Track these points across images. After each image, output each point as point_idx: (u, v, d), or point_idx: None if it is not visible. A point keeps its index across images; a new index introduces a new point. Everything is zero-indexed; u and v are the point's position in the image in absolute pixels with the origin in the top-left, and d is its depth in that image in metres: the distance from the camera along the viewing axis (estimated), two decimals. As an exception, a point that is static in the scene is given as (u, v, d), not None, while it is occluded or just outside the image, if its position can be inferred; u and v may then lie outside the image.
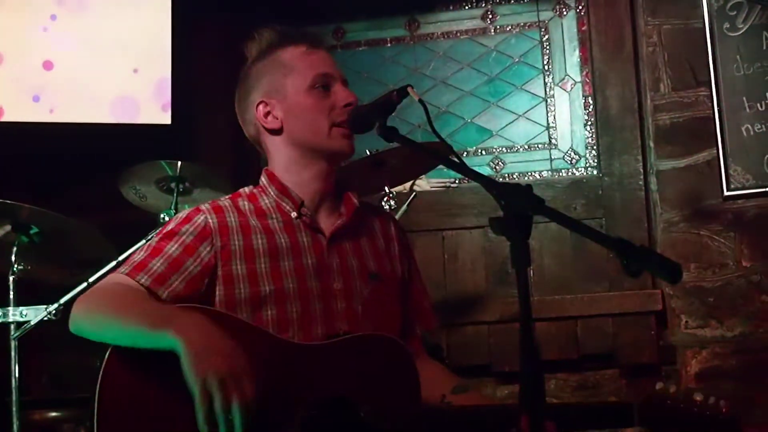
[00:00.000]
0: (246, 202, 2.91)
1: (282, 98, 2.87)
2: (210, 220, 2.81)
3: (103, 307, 2.68)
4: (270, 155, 2.97)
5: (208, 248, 2.78)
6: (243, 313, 2.76)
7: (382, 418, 2.62)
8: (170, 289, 2.72)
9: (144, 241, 4.15)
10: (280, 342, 2.69)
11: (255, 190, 2.95)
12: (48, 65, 5.22)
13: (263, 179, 2.96)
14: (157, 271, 2.73)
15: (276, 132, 2.90)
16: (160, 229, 2.89)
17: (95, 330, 2.67)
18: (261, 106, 2.90)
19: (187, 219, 2.82)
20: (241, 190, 2.99)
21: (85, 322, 2.70)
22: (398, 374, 2.70)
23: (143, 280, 2.70)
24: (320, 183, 2.93)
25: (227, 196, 2.95)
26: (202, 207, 2.86)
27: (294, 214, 2.88)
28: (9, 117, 5.14)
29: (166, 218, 4.31)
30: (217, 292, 2.79)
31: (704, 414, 2.72)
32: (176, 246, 2.77)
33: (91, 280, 3.94)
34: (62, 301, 4.04)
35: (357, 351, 2.71)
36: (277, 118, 2.89)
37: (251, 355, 2.50)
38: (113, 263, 4.00)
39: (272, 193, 2.91)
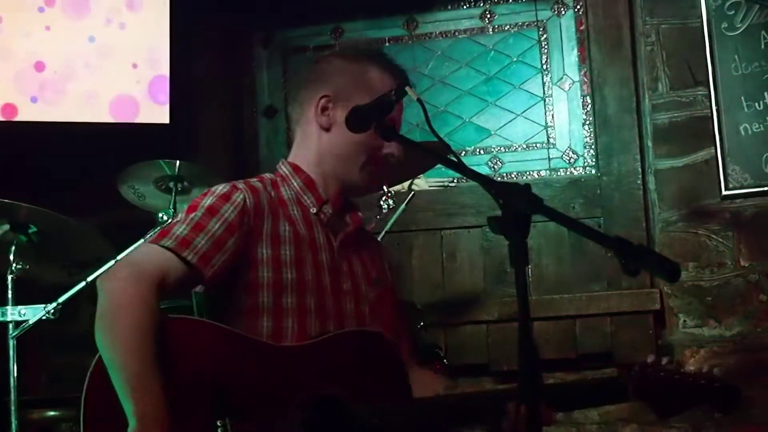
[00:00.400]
0: (271, 188, 2.91)
1: (345, 107, 2.83)
2: (248, 199, 2.79)
3: (116, 337, 2.57)
4: (303, 145, 2.98)
5: (245, 227, 2.77)
6: (264, 297, 2.77)
7: (374, 414, 2.64)
8: (213, 270, 2.71)
9: (142, 240, 4.16)
10: (267, 347, 2.71)
11: (277, 178, 2.96)
12: (44, 65, 5.21)
13: (285, 169, 2.97)
14: (202, 249, 2.69)
15: (323, 129, 2.92)
16: (195, 202, 2.82)
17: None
18: (324, 100, 2.91)
19: (227, 196, 2.79)
20: (263, 175, 2.99)
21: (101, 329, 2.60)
22: (386, 368, 2.73)
23: (190, 257, 2.67)
24: (338, 194, 2.97)
25: (255, 179, 2.93)
26: (239, 185, 2.83)
27: (314, 210, 2.90)
28: (7, 116, 5.15)
29: (165, 217, 4.29)
30: (241, 274, 2.79)
31: (699, 383, 2.72)
32: (219, 224, 2.73)
33: (89, 279, 3.94)
34: (61, 300, 4.04)
35: (343, 348, 2.73)
36: (331, 121, 2.90)
37: (240, 364, 2.59)
38: (111, 262, 3.99)
39: (295, 184, 2.93)
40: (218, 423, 2.55)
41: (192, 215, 2.76)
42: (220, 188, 2.83)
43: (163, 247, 2.68)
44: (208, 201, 2.80)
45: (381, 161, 2.93)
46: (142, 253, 2.78)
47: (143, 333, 2.55)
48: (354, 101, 2.79)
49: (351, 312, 2.89)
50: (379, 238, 3.92)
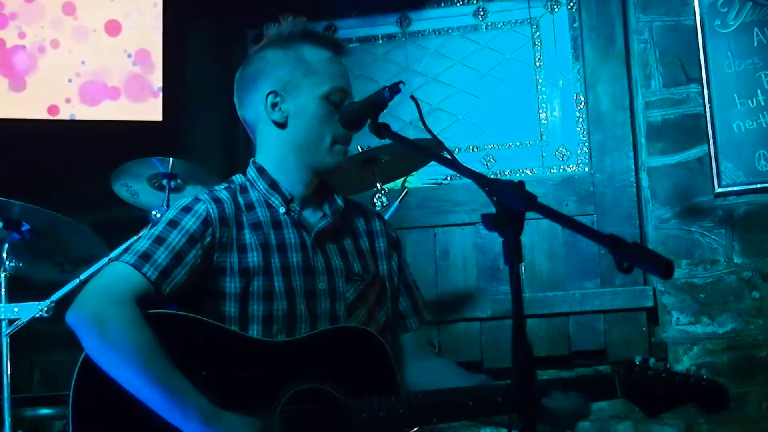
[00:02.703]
0: (239, 195, 2.91)
1: (295, 96, 2.88)
2: (210, 210, 2.81)
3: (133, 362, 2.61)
4: (263, 145, 2.98)
5: (209, 238, 2.78)
6: (231, 306, 2.78)
7: (360, 406, 2.66)
8: (173, 284, 2.73)
9: (135, 237, 4.15)
10: (253, 341, 2.74)
11: (246, 182, 2.96)
12: (39, 60, 5.21)
13: (252, 172, 2.96)
14: (162, 264, 2.71)
15: (278, 125, 2.91)
16: (159, 218, 2.87)
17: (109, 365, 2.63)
18: (271, 96, 2.90)
19: (188, 208, 2.81)
20: (234, 177, 3.00)
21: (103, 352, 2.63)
22: (373, 363, 2.75)
23: (149, 273, 2.68)
24: (308, 184, 2.96)
25: (222, 187, 2.95)
26: (201, 197, 2.85)
27: (282, 210, 2.89)
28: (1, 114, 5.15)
29: (158, 215, 4.29)
30: (208, 284, 2.80)
31: (687, 383, 2.73)
32: (179, 236, 2.75)
33: (82, 277, 3.94)
34: (54, 298, 4.03)
35: (331, 344, 2.75)
36: (285, 113, 2.89)
37: (227, 359, 2.64)
38: (105, 260, 3.99)
39: (261, 187, 2.92)
40: None
41: (153, 229, 2.80)
42: (182, 201, 2.86)
43: (124, 262, 2.71)
44: (169, 214, 2.83)
45: (347, 137, 2.92)
46: (108, 273, 2.78)
47: (151, 345, 2.60)
48: (301, 87, 2.83)
49: (325, 313, 2.87)
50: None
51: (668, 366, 2.83)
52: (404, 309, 3.08)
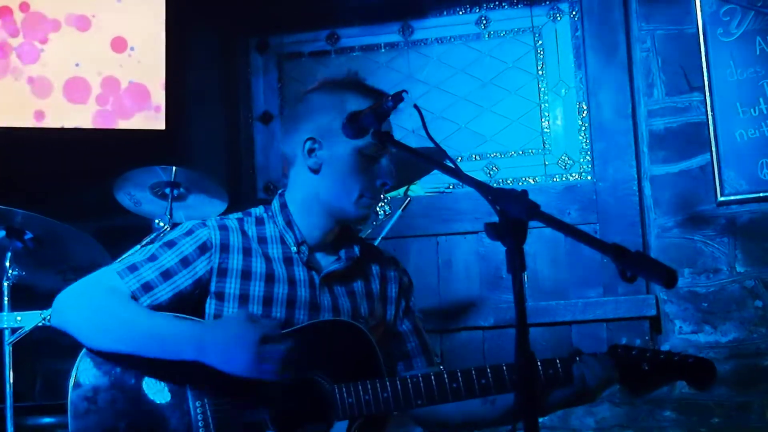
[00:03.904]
0: (253, 227, 2.93)
1: (331, 144, 2.87)
2: (212, 236, 2.84)
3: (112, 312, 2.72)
4: (293, 185, 2.98)
5: (204, 263, 2.82)
6: None
7: (345, 391, 2.72)
8: (153, 299, 2.77)
9: (138, 246, 4.17)
10: None
11: (265, 214, 2.98)
12: (43, 70, 5.22)
13: (275, 205, 2.98)
14: (146, 278, 2.77)
15: (312, 171, 2.90)
16: (164, 236, 2.90)
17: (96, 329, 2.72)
18: (309, 142, 2.89)
19: (190, 231, 2.86)
20: (251, 210, 3.01)
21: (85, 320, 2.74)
22: (358, 352, 2.80)
23: (130, 283, 2.76)
24: (328, 232, 2.97)
25: (236, 216, 2.97)
26: (208, 223, 2.88)
27: (294, 249, 2.91)
28: (3, 122, 5.15)
29: (161, 224, 4.31)
30: (206, 308, 2.84)
31: (672, 360, 2.75)
32: (173, 256, 2.81)
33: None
34: (56, 306, 4.03)
35: (318, 335, 2.80)
36: (319, 161, 2.89)
37: None
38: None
39: (279, 222, 2.94)
40: (197, 403, 2.69)
41: (151, 246, 2.87)
42: (188, 224, 2.90)
43: (111, 269, 2.81)
44: (171, 236, 2.87)
45: (376, 192, 2.93)
46: (93, 274, 2.87)
47: (128, 302, 2.73)
48: (339, 136, 2.78)
49: None
50: (375, 243, 3.91)
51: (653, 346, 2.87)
52: (412, 349, 3.10)
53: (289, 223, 2.92)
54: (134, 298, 2.75)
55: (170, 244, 2.83)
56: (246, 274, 2.84)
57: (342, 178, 2.87)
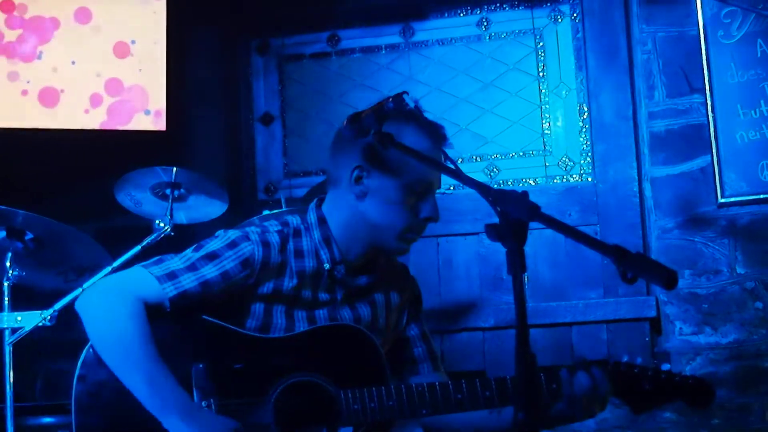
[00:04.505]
0: (291, 240, 2.90)
1: (380, 173, 2.85)
2: (255, 252, 2.82)
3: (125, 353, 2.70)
4: (335, 204, 2.96)
5: (242, 276, 2.81)
6: None
7: (351, 397, 2.73)
8: (186, 302, 2.77)
9: (139, 247, 4.17)
10: (249, 337, 2.81)
11: (301, 226, 2.95)
12: (44, 71, 5.23)
13: (312, 217, 2.96)
14: (184, 287, 2.76)
15: (357, 197, 2.89)
16: (204, 242, 2.86)
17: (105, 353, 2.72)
18: (357, 170, 2.86)
19: (233, 244, 2.83)
20: (288, 219, 2.97)
21: (103, 339, 2.73)
22: (364, 358, 2.81)
23: (168, 290, 2.74)
24: (363, 256, 2.97)
25: (275, 228, 2.92)
26: (251, 237, 2.85)
27: (327, 266, 2.90)
28: (3, 123, 5.16)
29: (161, 224, 4.30)
30: (230, 317, 2.84)
31: (673, 380, 2.76)
32: (214, 270, 2.79)
33: (85, 286, 3.94)
34: (57, 306, 4.04)
35: (324, 340, 2.82)
36: (366, 189, 2.87)
37: (224, 353, 2.74)
38: (108, 269, 4.00)
39: (315, 236, 2.92)
40: (203, 403, 2.69)
41: (192, 254, 2.83)
42: (232, 233, 2.87)
43: (150, 273, 2.77)
44: (213, 244, 2.84)
45: (420, 228, 2.93)
46: (130, 274, 2.84)
47: (142, 336, 2.68)
48: (391, 169, 2.79)
49: None
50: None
51: (654, 365, 2.87)
52: (419, 354, 3.12)
53: (328, 241, 2.91)
54: (172, 303, 2.74)
55: (212, 257, 2.80)
56: (276, 292, 2.85)
57: (386, 212, 2.87)
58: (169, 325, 2.75)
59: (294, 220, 2.97)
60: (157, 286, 2.73)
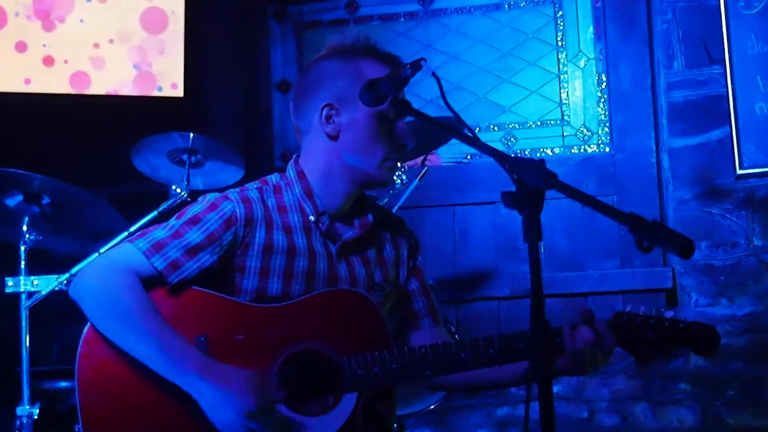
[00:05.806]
0: (272, 196, 2.90)
1: (350, 110, 2.84)
2: (237, 210, 2.81)
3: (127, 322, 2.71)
4: (310, 153, 2.94)
5: (230, 237, 2.80)
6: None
7: (355, 363, 2.71)
8: (180, 277, 2.76)
9: (155, 212, 4.18)
10: (250, 307, 2.79)
11: (281, 182, 2.95)
12: (66, 39, 5.24)
13: (291, 173, 2.95)
14: (172, 257, 2.74)
15: (330, 137, 2.87)
16: (185, 208, 2.87)
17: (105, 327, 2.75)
18: (327, 108, 2.85)
19: (214, 206, 2.82)
20: (268, 177, 2.97)
21: (99, 315, 2.76)
22: (366, 323, 2.80)
23: (157, 263, 2.73)
24: (348, 198, 2.94)
25: (255, 185, 2.93)
26: (231, 196, 2.85)
27: (312, 218, 2.89)
28: (22, 88, 5.17)
29: (178, 190, 4.31)
30: (225, 280, 2.84)
31: (677, 327, 2.75)
32: (199, 233, 2.78)
33: (102, 250, 3.95)
34: (73, 271, 4.04)
35: (325, 306, 2.80)
36: (338, 126, 2.86)
37: (226, 323, 2.74)
38: (124, 234, 4.00)
39: (297, 191, 2.91)
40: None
41: (175, 222, 2.82)
42: (210, 196, 2.86)
43: (136, 247, 2.75)
44: (194, 210, 2.83)
45: (399, 154, 2.91)
46: (118, 251, 2.83)
47: (145, 306, 2.69)
48: (356, 103, 2.76)
49: None
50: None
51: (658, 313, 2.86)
52: (419, 309, 3.09)
53: (309, 193, 2.90)
54: (162, 275, 2.73)
55: (194, 221, 2.79)
56: (268, 248, 2.83)
57: (364, 143, 2.84)
58: (165, 299, 2.74)
59: (273, 178, 2.97)
60: (146, 261, 2.73)
